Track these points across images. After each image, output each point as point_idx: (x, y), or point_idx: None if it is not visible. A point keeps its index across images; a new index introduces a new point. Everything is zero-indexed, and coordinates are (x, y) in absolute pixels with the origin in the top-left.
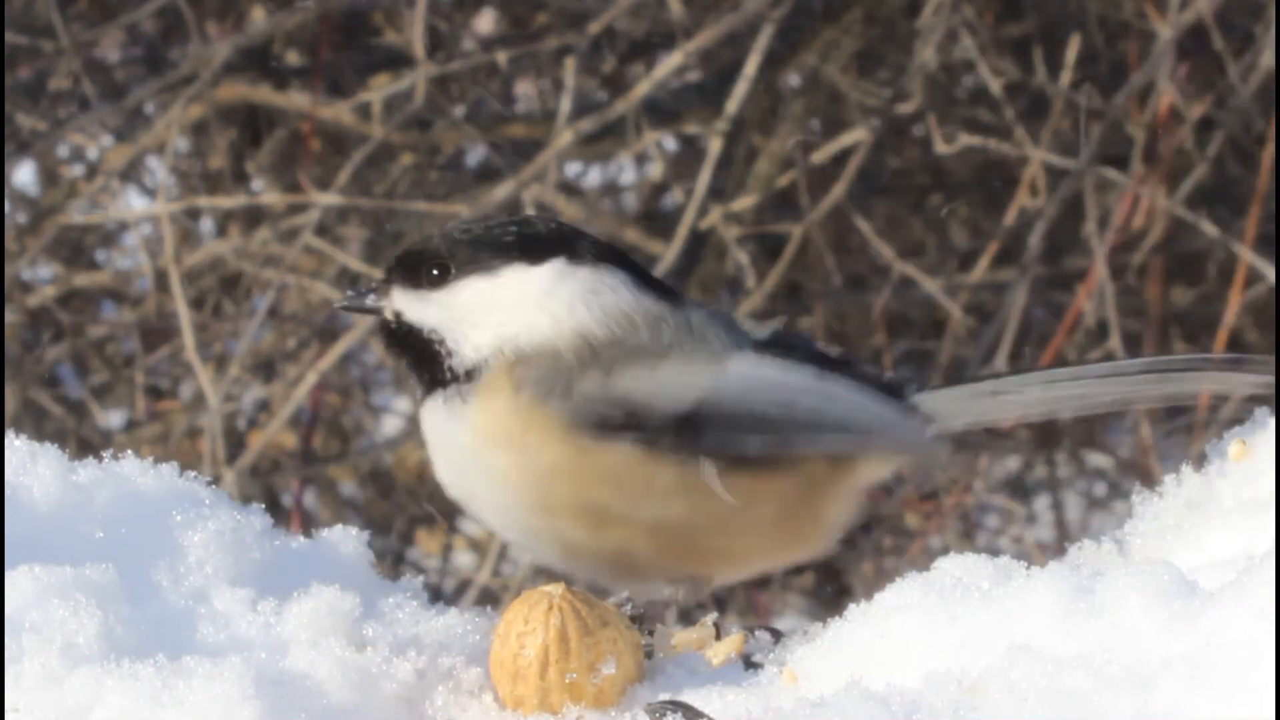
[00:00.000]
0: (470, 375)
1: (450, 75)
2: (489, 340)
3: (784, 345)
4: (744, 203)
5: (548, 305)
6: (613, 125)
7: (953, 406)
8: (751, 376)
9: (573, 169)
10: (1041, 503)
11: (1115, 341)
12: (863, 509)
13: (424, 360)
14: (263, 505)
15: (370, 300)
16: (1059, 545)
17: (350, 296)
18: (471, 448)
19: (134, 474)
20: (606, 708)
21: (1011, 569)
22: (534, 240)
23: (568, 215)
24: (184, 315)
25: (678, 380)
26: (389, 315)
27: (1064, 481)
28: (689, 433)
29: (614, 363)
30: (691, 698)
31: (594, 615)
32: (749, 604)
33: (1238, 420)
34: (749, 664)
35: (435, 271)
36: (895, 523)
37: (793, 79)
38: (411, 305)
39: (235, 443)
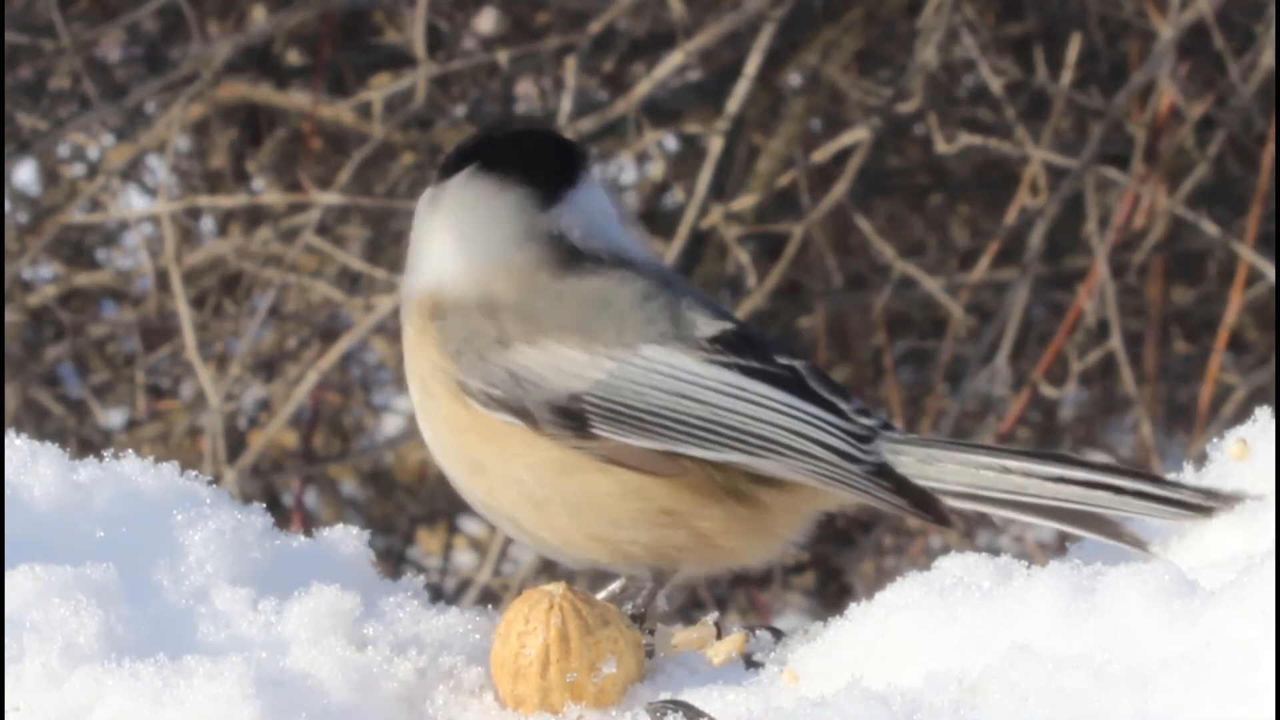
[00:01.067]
0: (415, 297)
1: (451, 75)
2: (430, 262)
3: (736, 343)
4: (745, 202)
5: (458, 234)
6: (613, 124)
7: (917, 464)
8: (657, 369)
9: None
10: None
11: (1116, 341)
12: (815, 525)
13: None
14: (263, 504)
15: None
16: (1059, 545)
17: None
18: (406, 353)
19: (134, 473)
20: (607, 707)
21: (1012, 568)
22: (463, 157)
23: None
24: (185, 315)
25: (568, 366)
26: None
27: None
28: (573, 419)
29: (513, 333)
30: (692, 697)
31: (595, 614)
32: (750, 603)
33: (1239, 420)
34: (750, 663)
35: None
36: (895, 522)
37: (793, 78)
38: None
39: (236, 442)
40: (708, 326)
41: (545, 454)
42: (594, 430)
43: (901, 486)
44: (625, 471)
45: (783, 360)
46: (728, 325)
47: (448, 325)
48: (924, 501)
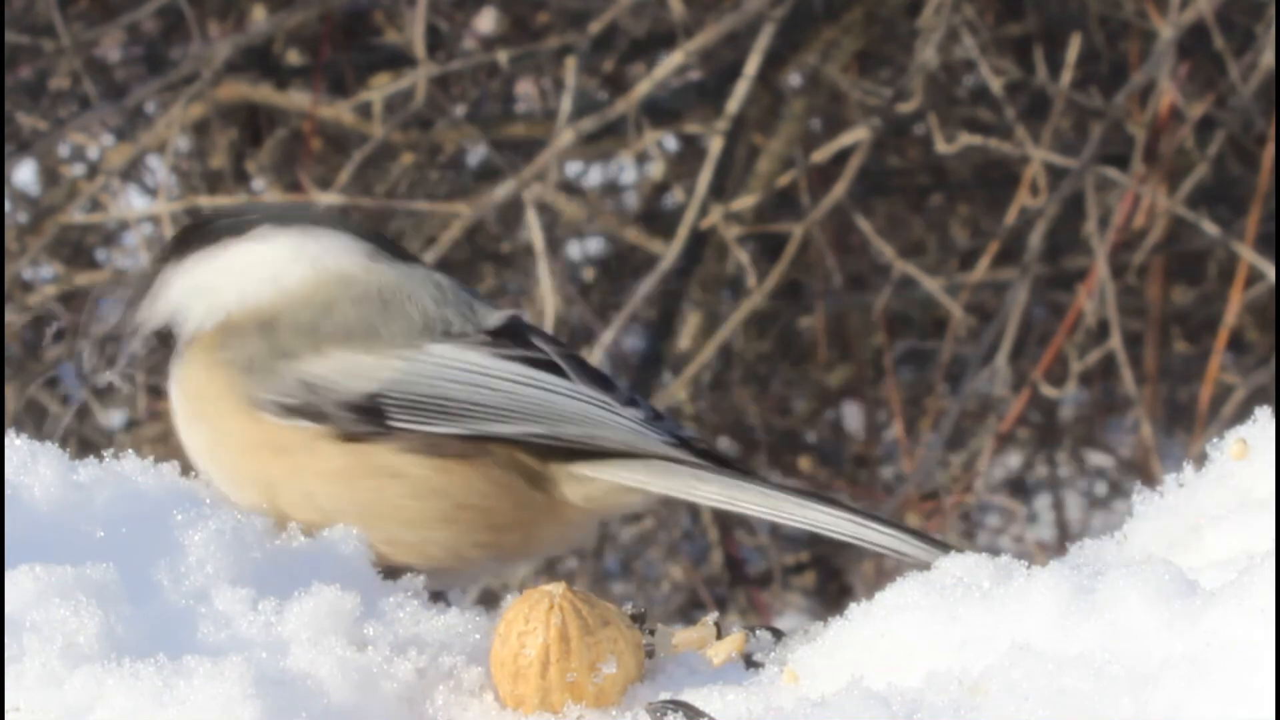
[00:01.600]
0: (190, 343)
1: (451, 75)
2: (204, 310)
3: (515, 336)
4: (745, 202)
5: (242, 276)
6: (613, 125)
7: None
8: (448, 364)
9: (573, 168)
10: (1042, 502)
11: (1116, 341)
12: (596, 529)
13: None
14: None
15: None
16: (1060, 545)
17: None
18: (180, 411)
19: (135, 473)
20: (607, 707)
21: (1012, 568)
22: (241, 220)
23: (568, 214)
24: None
25: (357, 370)
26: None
27: (1065, 481)
28: (371, 414)
29: (296, 347)
30: (692, 697)
31: (595, 614)
32: (750, 603)
33: (1239, 420)
34: (750, 663)
35: (171, 257)
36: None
37: (793, 78)
38: (159, 293)
39: None
40: (487, 317)
41: (335, 463)
42: (393, 423)
43: (706, 453)
44: (417, 470)
45: (553, 350)
46: (505, 315)
47: (232, 354)
48: (727, 462)
